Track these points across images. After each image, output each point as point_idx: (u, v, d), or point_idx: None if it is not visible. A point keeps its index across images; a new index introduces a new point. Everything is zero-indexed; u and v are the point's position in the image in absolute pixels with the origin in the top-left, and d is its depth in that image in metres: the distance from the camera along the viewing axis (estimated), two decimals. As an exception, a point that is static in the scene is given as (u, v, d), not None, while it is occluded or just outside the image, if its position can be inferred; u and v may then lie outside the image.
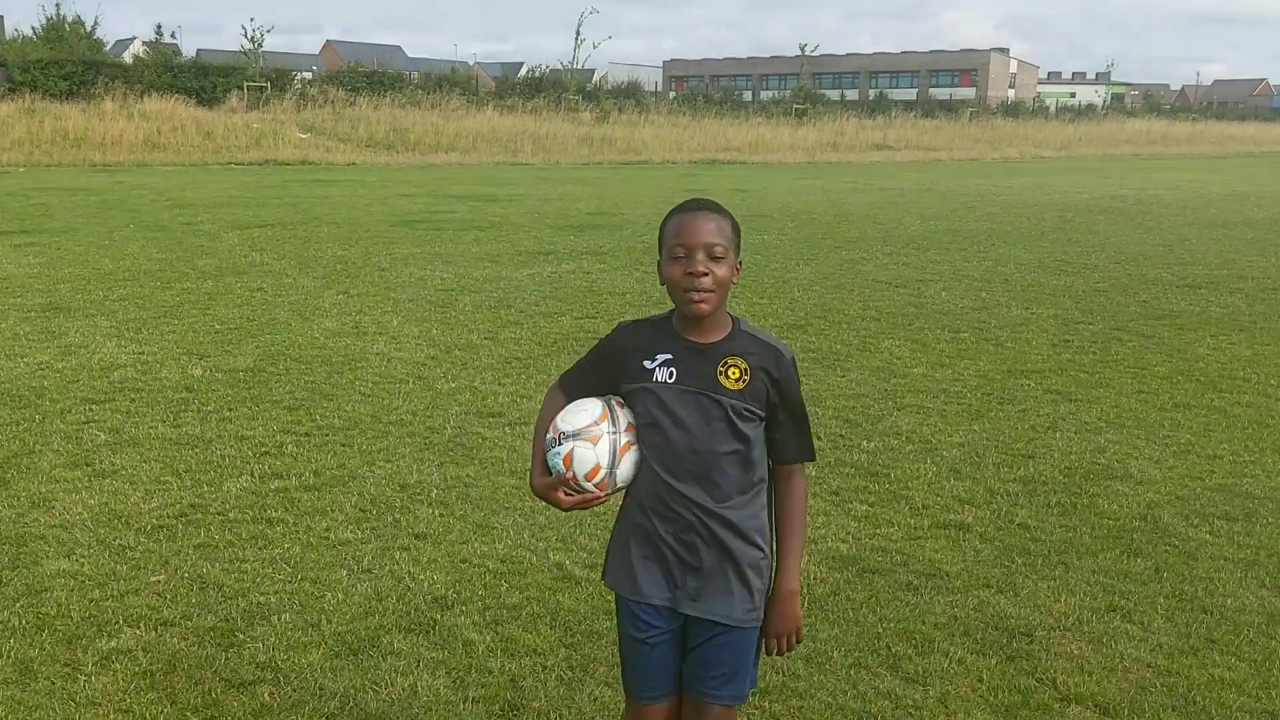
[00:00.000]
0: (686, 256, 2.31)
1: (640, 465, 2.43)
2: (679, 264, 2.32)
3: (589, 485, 2.40)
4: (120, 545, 4.54)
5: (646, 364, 2.40)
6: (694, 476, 2.38)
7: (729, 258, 2.35)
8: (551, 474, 2.46)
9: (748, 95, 70.90)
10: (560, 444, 2.41)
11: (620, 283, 11.35)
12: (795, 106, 54.62)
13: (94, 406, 6.48)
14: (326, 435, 6.05)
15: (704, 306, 2.32)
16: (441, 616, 3.96)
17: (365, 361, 7.74)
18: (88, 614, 3.94)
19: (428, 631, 3.86)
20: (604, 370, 2.50)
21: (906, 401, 7.00)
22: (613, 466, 2.39)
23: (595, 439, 2.39)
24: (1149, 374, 7.83)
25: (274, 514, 4.91)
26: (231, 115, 34.66)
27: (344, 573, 4.32)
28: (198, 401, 6.64)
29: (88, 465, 5.49)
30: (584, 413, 2.43)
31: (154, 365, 7.49)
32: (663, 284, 2.38)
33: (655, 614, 2.45)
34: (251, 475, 5.39)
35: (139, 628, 3.84)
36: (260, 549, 4.54)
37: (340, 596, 4.11)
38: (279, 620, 3.91)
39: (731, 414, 2.36)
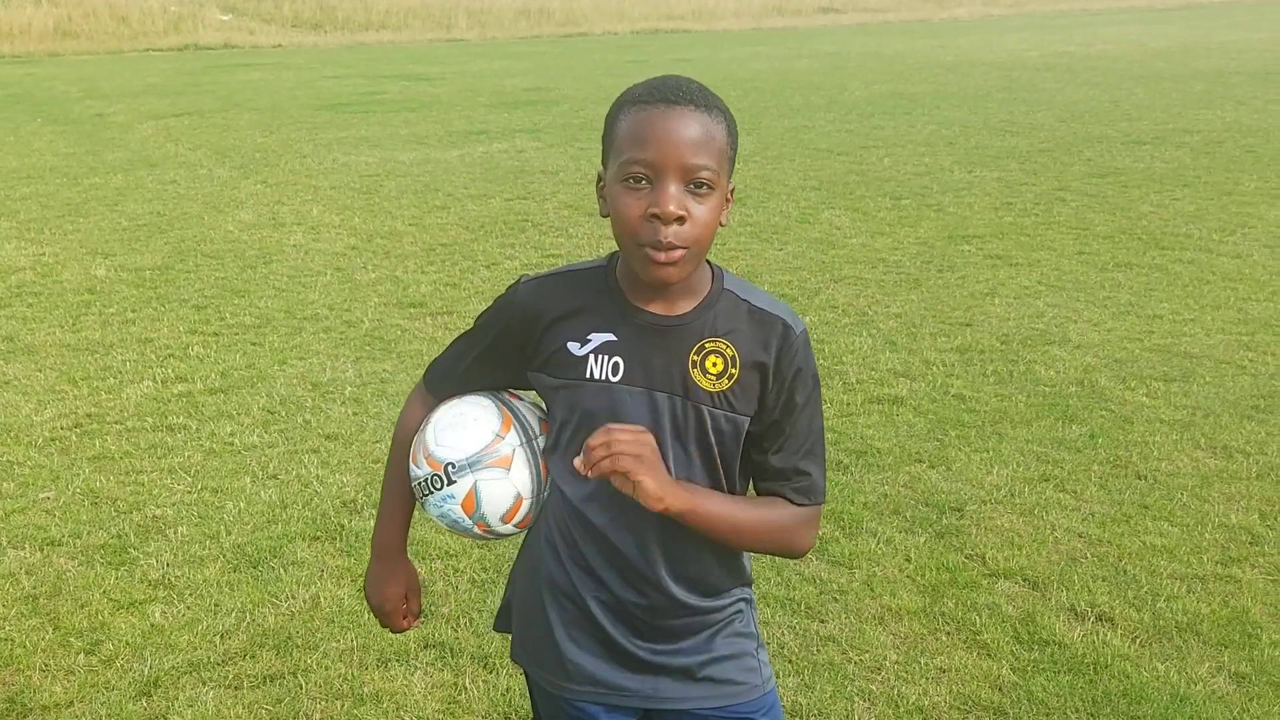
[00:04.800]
0: (651, 184, 1.42)
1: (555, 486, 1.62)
2: (637, 196, 1.43)
3: (507, 529, 1.62)
4: (8, 461, 4.27)
5: (574, 347, 1.53)
6: (649, 534, 1.54)
7: (720, 187, 1.45)
8: (396, 579, 1.69)
9: (691, -40, 68.46)
10: (450, 480, 1.56)
11: (553, 161, 10.93)
12: (740, -30, 52.79)
13: (-13, 314, 6.11)
14: (236, 334, 5.75)
15: (673, 271, 1.45)
16: (350, 522, 3.77)
17: (281, 254, 7.37)
18: (-32, 538, 3.69)
19: (334, 538, 3.67)
20: (502, 356, 1.61)
21: (844, 273, 6.80)
22: (539, 492, 1.61)
23: (506, 461, 1.57)
24: (1091, 234, 7.68)
25: (175, 420, 4.65)
26: (147, -2, 32.79)
27: (247, 480, 4.09)
28: (100, 304, 6.28)
29: (-23, 377, 5.17)
30: (474, 424, 1.58)
31: (55, 267, 7.08)
32: (605, 215, 1.49)
33: (610, 714, 1.65)
34: (154, 380, 5.10)
35: (23, 549, 3.61)
36: (159, 458, 4.29)
37: (242, 505, 3.89)
38: (175, 534, 3.70)
39: (712, 432, 1.53)
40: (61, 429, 4.57)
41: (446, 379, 1.68)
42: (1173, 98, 15.17)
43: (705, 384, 1.51)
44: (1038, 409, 4.64)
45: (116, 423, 4.63)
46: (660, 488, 1.44)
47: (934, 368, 5.14)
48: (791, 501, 1.59)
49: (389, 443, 1.77)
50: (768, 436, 1.57)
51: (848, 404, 4.72)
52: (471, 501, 1.57)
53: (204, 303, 6.29)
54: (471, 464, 1.56)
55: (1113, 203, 8.66)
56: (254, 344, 5.59)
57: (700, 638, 1.62)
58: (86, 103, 16.14)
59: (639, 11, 39.46)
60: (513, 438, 1.58)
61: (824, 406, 4.98)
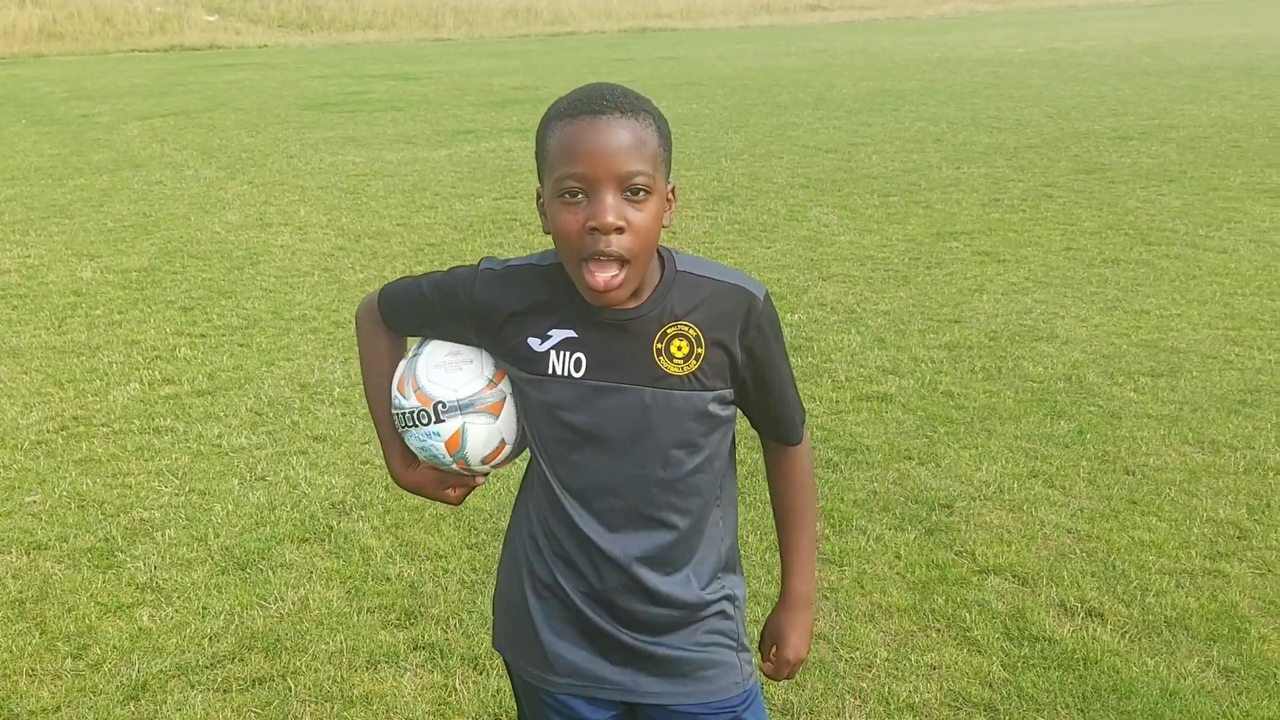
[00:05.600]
0: (586, 197, 1.42)
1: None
2: (575, 211, 1.43)
3: (483, 469, 1.65)
4: (-7, 465, 4.25)
5: (535, 343, 1.54)
6: (625, 530, 1.56)
7: (657, 190, 1.45)
8: (418, 458, 1.66)
9: (678, -42, 68.33)
10: (439, 419, 1.58)
11: (542, 159, 10.90)
12: (727, -32, 52.69)
13: (-29, 317, 6.07)
14: (223, 336, 5.72)
15: (617, 295, 1.46)
16: (338, 523, 3.75)
17: (268, 255, 7.34)
18: (-47, 542, 3.67)
19: (323, 540, 3.66)
20: (458, 328, 1.62)
21: (833, 271, 6.80)
22: (520, 440, 1.64)
23: (497, 407, 1.59)
24: (1078, 230, 7.70)
25: (163, 423, 4.62)
26: (132, -2, 32.63)
27: (235, 482, 4.07)
28: (85, 305, 6.25)
29: (-39, 381, 5.13)
30: (469, 367, 1.59)
31: (40, 269, 7.04)
32: (548, 232, 1.49)
33: (591, 706, 1.65)
34: (140, 382, 5.07)
35: (10, 553, 3.59)
36: (146, 461, 4.27)
37: (230, 507, 3.88)
38: (163, 536, 3.68)
39: (685, 414, 1.54)
40: (48, 432, 4.54)
41: (404, 319, 1.67)
42: (1158, 93, 15.22)
43: (673, 369, 1.52)
44: (1026, 405, 4.64)
45: (103, 425, 4.60)
46: (802, 651, 1.74)
47: (922, 365, 5.15)
48: (788, 443, 1.69)
49: (377, 442, 1.76)
50: (752, 395, 1.61)
51: (836, 401, 4.72)
52: (457, 442, 1.58)
53: (191, 304, 6.26)
54: (463, 406, 1.57)
55: (1100, 198, 8.68)
56: (241, 345, 5.57)
57: (681, 633, 1.62)
58: (71, 103, 16.07)
59: (626, 10, 39.42)
60: (505, 386, 1.60)
61: (813, 404, 4.96)
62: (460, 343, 1.63)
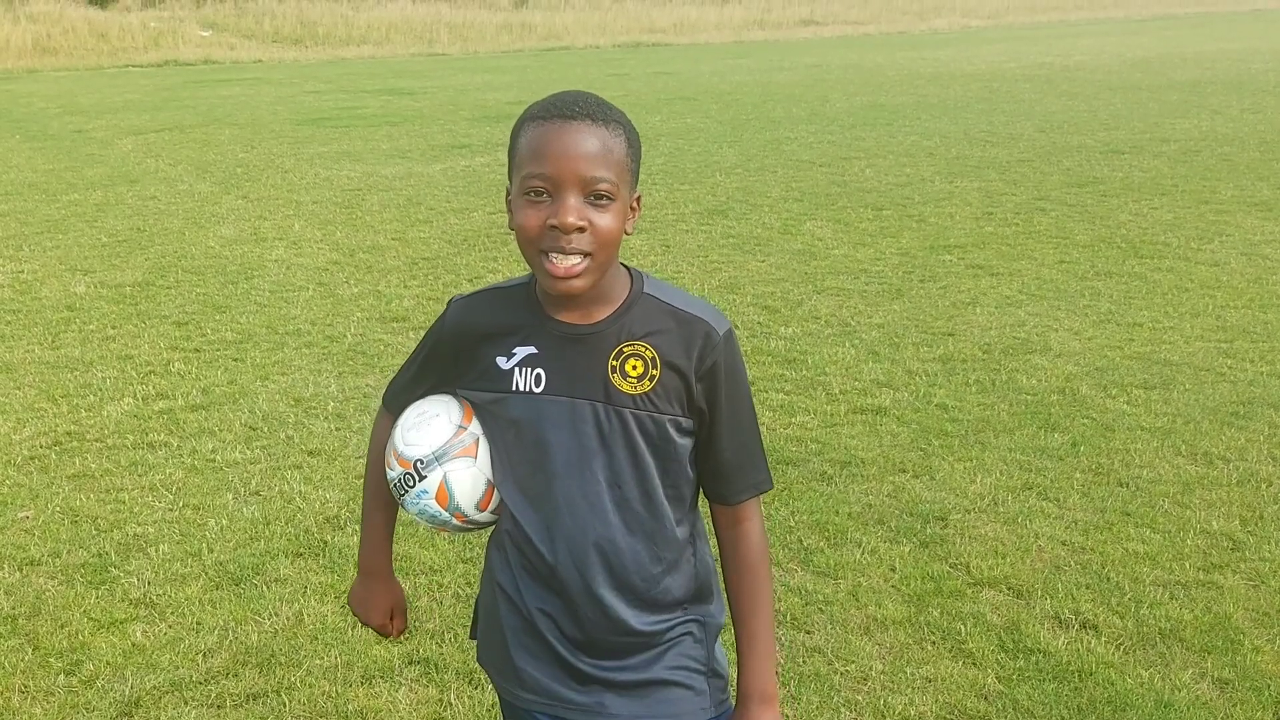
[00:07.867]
0: (550, 197, 1.46)
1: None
2: (538, 209, 1.47)
3: (485, 516, 1.64)
4: (-14, 481, 4.23)
5: (501, 361, 1.57)
6: (582, 544, 1.55)
7: (620, 197, 1.48)
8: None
9: (672, -26, 68.60)
10: (421, 476, 1.60)
11: (536, 174, 10.92)
12: (720, -16, 52.90)
13: (-36, 332, 6.06)
14: (217, 350, 5.72)
15: (577, 284, 1.48)
16: (333, 538, 3.75)
17: (263, 269, 7.34)
18: (-55, 558, 3.66)
19: (317, 554, 3.65)
20: (441, 374, 1.67)
21: (827, 284, 6.82)
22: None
23: (471, 450, 1.61)
24: (1070, 243, 7.73)
25: (156, 438, 4.62)
26: (126, 14, 32.69)
27: (229, 496, 4.07)
28: (79, 321, 6.24)
29: (-46, 396, 5.12)
30: (436, 419, 1.62)
31: (34, 284, 7.03)
32: (511, 229, 1.54)
33: None
34: (134, 397, 5.07)
35: (2, 569, 3.58)
36: (140, 476, 4.26)
37: (224, 522, 3.87)
38: (156, 552, 3.67)
39: (638, 435, 1.54)
40: (41, 447, 4.53)
41: (406, 391, 1.72)
42: (1150, 107, 15.30)
43: (626, 387, 1.53)
44: (1020, 418, 4.66)
45: (97, 440, 4.59)
46: None
47: (917, 377, 5.16)
48: (729, 501, 1.62)
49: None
50: (706, 436, 1.59)
51: (831, 415, 4.73)
52: (444, 494, 1.60)
53: (185, 319, 6.26)
54: (439, 457, 1.60)
55: (1092, 212, 8.72)
56: (235, 360, 5.56)
57: (644, 657, 1.60)
58: (65, 119, 16.06)
59: (620, 25, 39.55)
60: (475, 427, 1.62)
61: (807, 417, 4.97)
62: (448, 390, 1.66)
